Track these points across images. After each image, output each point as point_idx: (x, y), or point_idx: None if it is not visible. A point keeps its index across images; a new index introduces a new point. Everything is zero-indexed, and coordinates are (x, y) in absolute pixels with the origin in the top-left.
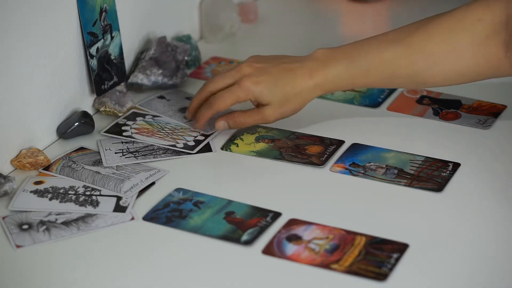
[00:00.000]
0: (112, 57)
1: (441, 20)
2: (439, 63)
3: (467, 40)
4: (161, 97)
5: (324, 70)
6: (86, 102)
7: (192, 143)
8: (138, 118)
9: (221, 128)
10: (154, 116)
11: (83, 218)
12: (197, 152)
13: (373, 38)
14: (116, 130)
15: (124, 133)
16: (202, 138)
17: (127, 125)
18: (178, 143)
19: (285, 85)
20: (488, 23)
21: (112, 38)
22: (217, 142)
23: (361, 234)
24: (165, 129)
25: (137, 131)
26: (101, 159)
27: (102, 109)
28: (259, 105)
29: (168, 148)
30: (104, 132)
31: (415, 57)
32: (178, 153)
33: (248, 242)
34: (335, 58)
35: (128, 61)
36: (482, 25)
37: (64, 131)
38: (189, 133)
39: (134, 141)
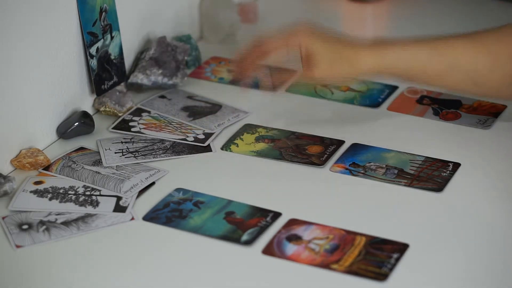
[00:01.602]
0: (112, 57)
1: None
2: (506, 64)
3: None
4: (162, 96)
5: (385, 46)
6: (86, 102)
7: (202, 136)
8: (143, 114)
9: (265, 87)
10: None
11: (83, 218)
12: (208, 145)
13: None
14: (124, 126)
15: (132, 129)
16: (211, 131)
17: (134, 120)
18: (188, 136)
19: (341, 48)
20: None
21: (112, 38)
22: (217, 142)
23: (361, 234)
24: (172, 123)
25: (145, 127)
26: (101, 159)
27: (102, 109)
28: (307, 61)
29: (180, 142)
30: (112, 128)
31: (482, 55)
32: (179, 152)
33: (248, 242)
34: (398, 40)
35: (128, 61)
36: None
37: (64, 131)
38: (196, 127)
39: (134, 140)
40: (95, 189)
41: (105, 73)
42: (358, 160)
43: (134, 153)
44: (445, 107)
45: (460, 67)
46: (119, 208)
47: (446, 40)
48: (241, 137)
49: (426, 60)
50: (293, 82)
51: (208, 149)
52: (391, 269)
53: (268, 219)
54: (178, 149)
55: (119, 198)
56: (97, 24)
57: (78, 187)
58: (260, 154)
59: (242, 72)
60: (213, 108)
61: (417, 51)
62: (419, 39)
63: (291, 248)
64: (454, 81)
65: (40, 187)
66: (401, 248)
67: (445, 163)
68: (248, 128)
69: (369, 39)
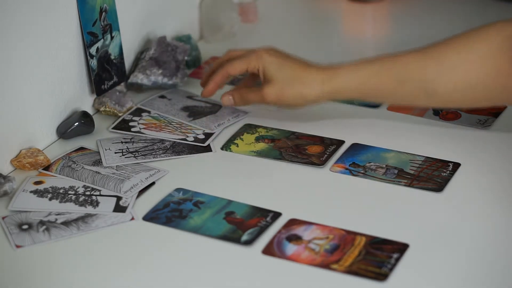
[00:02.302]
0: (112, 57)
1: (463, 33)
2: (451, 70)
3: (481, 51)
4: (162, 96)
5: (337, 67)
6: (86, 102)
7: (202, 136)
8: (143, 114)
9: (226, 103)
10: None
11: (83, 218)
12: (208, 145)
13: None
14: (124, 126)
15: (132, 129)
16: (211, 131)
17: (134, 120)
18: (188, 136)
19: (295, 69)
20: (504, 36)
21: (112, 38)
22: (217, 142)
23: (361, 234)
24: (172, 123)
25: (145, 127)
26: (101, 159)
27: (102, 109)
28: (264, 82)
29: (180, 142)
30: (112, 128)
31: (428, 62)
32: (179, 152)
33: (248, 242)
34: (351, 62)
35: (128, 61)
36: (498, 38)
37: (64, 131)
38: (196, 127)
39: (134, 140)
40: (95, 189)
41: (105, 73)
42: (358, 160)
43: (134, 153)
44: None
45: (409, 78)
46: (119, 208)
47: (395, 55)
48: (241, 137)
49: (376, 77)
50: (253, 102)
51: (208, 149)
52: (391, 269)
53: (268, 219)
54: (178, 149)
55: (119, 198)
56: (97, 24)
57: (78, 187)
58: (260, 154)
59: (207, 84)
60: (213, 108)
61: (366, 70)
62: (369, 58)
63: (291, 248)
64: (407, 93)
65: (40, 187)
66: (401, 248)
67: (445, 163)
68: (248, 128)
69: (324, 64)
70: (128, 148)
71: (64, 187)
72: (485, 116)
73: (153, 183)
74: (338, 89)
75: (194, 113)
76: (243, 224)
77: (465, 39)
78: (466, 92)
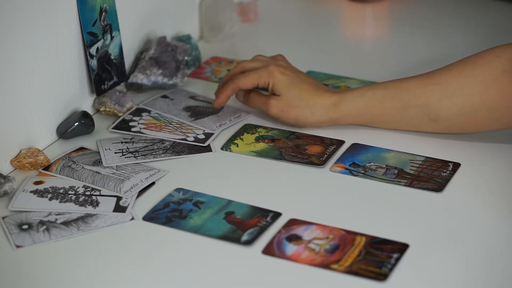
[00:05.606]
0: (112, 57)
1: (465, 58)
2: (454, 94)
3: (483, 74)
4: (165, 96)
5: (343, 93)
6: (86, 102)
7: (202, 136)
8: (143, 114)
9: (237, 97)
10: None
11: (83, 218)
12: (208, 145)
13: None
14: (124, 126)
15: (132, 129)
16: (212, 131)
17: (134, 120)
18: (188, 136)
19: (303, 90)
20: (506, 59)
21: (112, 38)
22: (217, 142)
23: (361, 234)
24: (172, 123)
25: (145, 126)
26: (101, 159)
27: (102, 109)
28: (272, 94)
29: (180, 142)
30: (112, 128)
31: (431, 87)
32: (179, 152)
33: (248, 242)
34: (356, 88)
35: (128, 61)
36: (500, 60)
37: (64, 131)
38: (197, 127)
39: (134, 140)
40: (95, 189)
41: (105, 73)
42: (358, 160)
43: (134, 153)
44: None
45: (413, 104)
46: (119, 208)
47: (398, 81)
48: (241, 137)
49: (380, 103)
50: (258, 108)
51: (208, 149)
52: (391, 269)
53: (268, 219)
54: (178, 149)
55: (119, 198)
56: (97, 24)
57: (78, 187)
58: (260, 154)
59: (218, 96)
60: (215, 109)
61: (370, 97)
62: (372, 85)
63: (291, 248)
64: (411, 119)
65: (40, 187)
66: (401, 248)
67: (445, 163)
68: (248, 128)
69: (331, 88)
70: (128, 148)
71: (64, 187)
72: None
73: (153, 183)
74: (342, 116)
75: (196, 113)
76: (243, 224)
77: (466, 64)
78: (470, 116)
